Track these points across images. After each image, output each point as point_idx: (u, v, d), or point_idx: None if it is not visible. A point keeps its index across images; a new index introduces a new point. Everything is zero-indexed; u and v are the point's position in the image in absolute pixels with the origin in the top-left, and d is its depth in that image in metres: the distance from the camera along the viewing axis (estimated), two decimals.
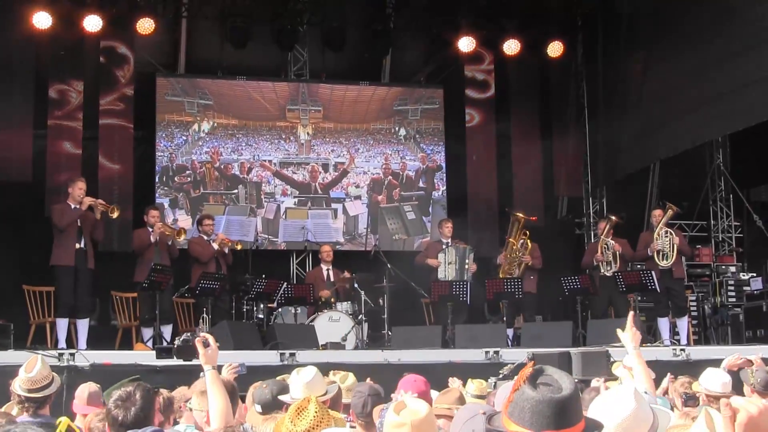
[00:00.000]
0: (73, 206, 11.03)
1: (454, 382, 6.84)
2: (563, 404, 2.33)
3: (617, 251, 12.51)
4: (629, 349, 4.39)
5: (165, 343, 10.69)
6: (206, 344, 4.24)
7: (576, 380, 2.49)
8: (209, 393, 4.13)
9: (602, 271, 12.52)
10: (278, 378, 5.76)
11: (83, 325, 11.16)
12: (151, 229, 11.72)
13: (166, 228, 11.97)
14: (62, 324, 11.04)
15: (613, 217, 13.06)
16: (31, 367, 5.03)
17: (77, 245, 10.94)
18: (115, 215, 11.18)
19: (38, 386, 4.99)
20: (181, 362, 4.51)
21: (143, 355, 9.17)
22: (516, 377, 2.48)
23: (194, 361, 4.41)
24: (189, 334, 4.63)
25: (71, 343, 11.04)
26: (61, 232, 10.95)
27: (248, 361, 7.37)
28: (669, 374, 6.74)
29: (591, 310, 12.53)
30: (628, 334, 4.39)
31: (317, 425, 3.52)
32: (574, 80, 15.59)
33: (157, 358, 6.21)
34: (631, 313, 4.62)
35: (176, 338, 4.69)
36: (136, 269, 11.58)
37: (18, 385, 5.01)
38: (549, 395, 2.33)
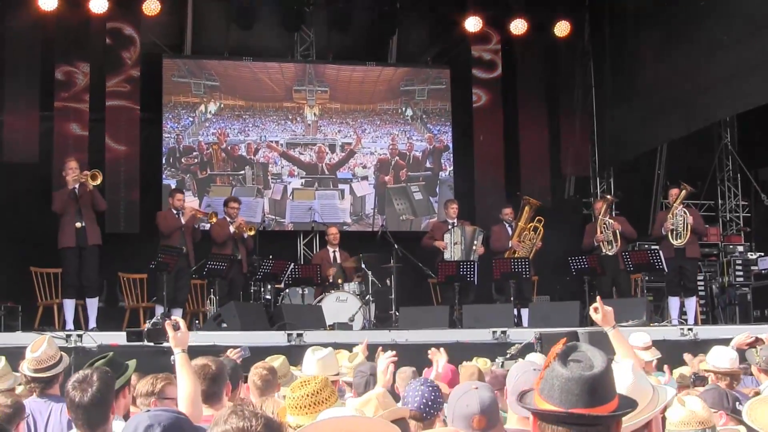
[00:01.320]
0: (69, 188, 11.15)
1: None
2: (593, 382, 2.24)
3: (617, 230, 12.48)
4: (607, 330, 4.37)
5: None
6: (176, 327, 4.23)
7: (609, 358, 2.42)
8: (178, 377, 4.11)
9: (604, 251, 12.49)
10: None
11: (92, 305, 11.23)
12: (175, 212, 11.77)
13: (198, 212, 12.08)
14: (69, 305, 11.12)
15: (609, 197, 13.03)
16: (37, 347, 5.03)
17: (77, 224, 11.03)
18: (98, 182, 11.18)
19: (44, 366, 4.99)
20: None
21: None
22: (547, 356, 2.41)
23: (165, 344, 4.38)
24: (159, 316, 4.62)
25: (79, 323, 11.09)
26: (61, 216, 11.07)
27: (256, 341, 7.39)
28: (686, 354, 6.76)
29: (597, 290, 12.50)
30: (599, 315, 4.37)
31: (317, 392, 3.62)
32: (581, 60, 15.51)
33: (128, 341, 6.09)
34: (599, 297, 4.60)
35: (146, 321, 4.68)
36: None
37: (25, 366, 5.03)
38: (579, 372, 2.24)
